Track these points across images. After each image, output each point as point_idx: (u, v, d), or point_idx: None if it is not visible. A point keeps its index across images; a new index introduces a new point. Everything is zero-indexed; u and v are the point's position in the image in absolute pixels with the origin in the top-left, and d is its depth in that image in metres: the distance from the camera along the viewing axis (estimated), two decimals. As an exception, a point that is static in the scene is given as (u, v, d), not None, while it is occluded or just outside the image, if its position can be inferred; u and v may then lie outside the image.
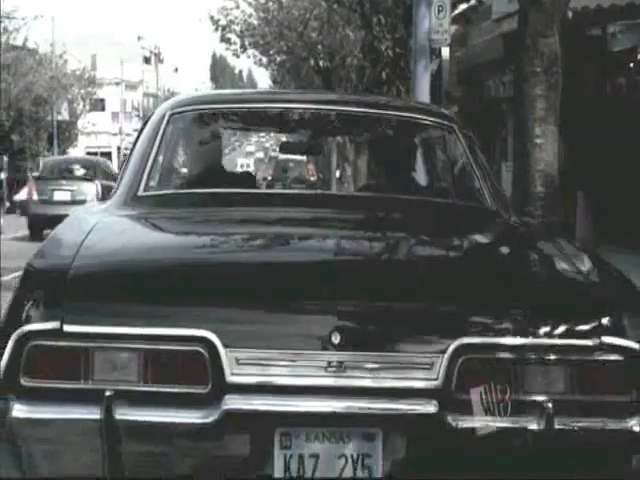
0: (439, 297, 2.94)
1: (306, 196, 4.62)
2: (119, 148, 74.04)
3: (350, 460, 2.77)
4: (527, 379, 2.81)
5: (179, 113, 4.27)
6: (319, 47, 25.64)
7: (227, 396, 2.72)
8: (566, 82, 7.63)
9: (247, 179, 4.90)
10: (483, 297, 2.97)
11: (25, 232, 21.44)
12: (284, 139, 5.90)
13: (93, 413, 2.70)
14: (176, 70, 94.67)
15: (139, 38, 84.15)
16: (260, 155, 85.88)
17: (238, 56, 27.79)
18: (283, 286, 2.91)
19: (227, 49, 27.85)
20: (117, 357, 2.76)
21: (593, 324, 2.87)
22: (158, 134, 4.08)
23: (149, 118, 4.40)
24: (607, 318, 2.88)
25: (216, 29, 27.15)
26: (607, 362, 2.84)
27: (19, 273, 11.63)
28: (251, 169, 56.26)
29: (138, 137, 4.29)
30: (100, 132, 69.07)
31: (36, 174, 24.42)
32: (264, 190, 5.80)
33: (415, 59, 13.41)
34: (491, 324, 2.86)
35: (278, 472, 2.75)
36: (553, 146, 7.50)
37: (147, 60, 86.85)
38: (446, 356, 2.76)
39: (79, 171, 22.42)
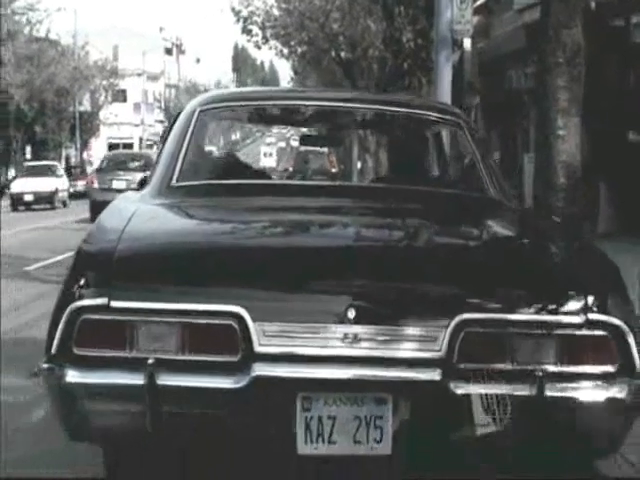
0: (443, 277, 3.30)
1: (324, 187, 4.94)
2: (141, 139, 74.23)
3: (364, 421, 3.13)
4: (521, 351, 3.16)
5: (208, 110, 4.67)
6: (340, 38, 25.54)
7: (255, 364, 3.09)
8: (589, 73, 7.60)
9: (270, 171, 5.33)
10: (483, 277, 3.33)
11: (29, 226, 22.97)
12: (304, 130, 6.19)
13: (137, 379, 3.06)
14: (198, 61, 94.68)
15: (161, 29, 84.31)
16: (282, 144, 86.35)
17: (260, 47, 27.72)
18: (305, 267, 3.30)
19: (248, 41, 27.81)
20: (158, 329, 3.13)
21: (580, 302, 3.21)
22: (189, 129, 4.44)
23: (179, 114, 4.78)
24: (593, 297, 3.21)
25: (237, 20, 27.12)
26: (593, 336, 3.18)
27: (43, 263, 11.70)
28: (274, 157, 56.48)
29: (169, 131, 4.66)
30: (122, 123, 69.26)
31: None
32: (286, 181, 6.22)
33: (437, 50, 13.38)
34: (489, 302, 3.22)
35: (300, 431, 3.13)
36: (576, 137, 7.47)
37: (169, 51, 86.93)
38: (448, 330, 3.13)
39: (132, 163, 26.37)
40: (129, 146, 74.46)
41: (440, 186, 4.78)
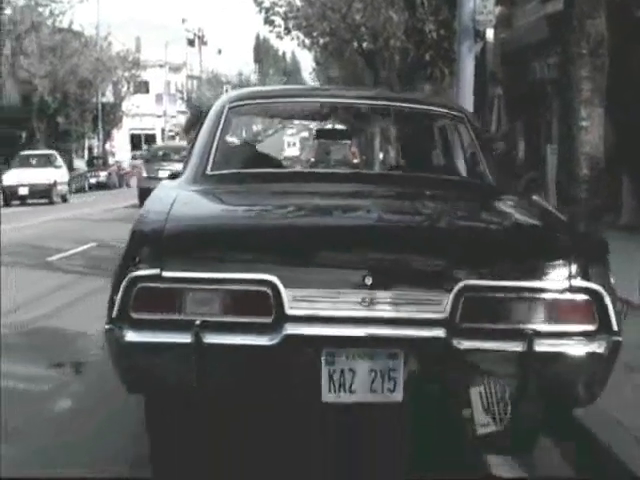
0: (447, 249, 3.81)
1: (342, 174, 5.50)
2: (163, 130, 74.38)
3: (379, 373, 3.63)
4: (514, 312, 3.66)
5: (236, 107, 5.25)
6: (362, 29, 25.46)
7: (286, 324, 3.59)
8: (612, 64, 7.54)
9: (293, 160, 6.05)
10: (482, 249, 3.84)
11: (30, 221, 23.18)
12: (320, 125, 6.68)
13: (185, 338, 3.55)
14: (220, 52, 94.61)
15: (183, 20, 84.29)
16: (305, 134, 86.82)
17: (282, 38, 27.67)
18: (328, 241, 3.82)
19: (271, 31, 27.77)
20: (203, 295, 3.63)
21: (565, 270, 3.70)
22: (219, 124, 5.00)
23: (208, 110, 5.34)
24: (576, 266, 3.71)
25: (260, 11, 27.09)
26: (576, 300, 3.69)
27: (64, 254, 11.78)
28: (297, 146, 57.26)
29: (200, 126, 5.21)
30: (144, 114, 69.44)
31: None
32: (308, 169, 6.69)
33: (459, 41, 13.33)
34: (487, 270, 3.71)
35: (324, 382, 3.62)
36: (599, 129, 7.41)
37: (191, 42, 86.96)
38: (452, 295, 3.62)
39: (174, 155, 28.15)
40: (151, 137, 74.52)
41: (446, 173, 5.32)
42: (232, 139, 5.33)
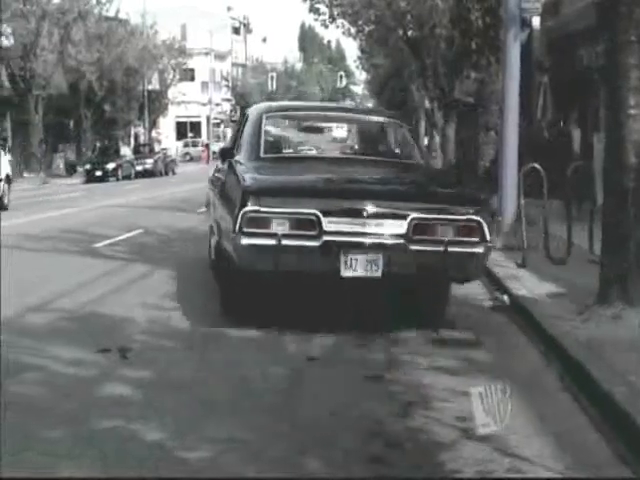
0: (404, 198, 7.53)
1: (344, 158, 9.14)
2: (208, 117, 74.66)
3: (370, 262, 7.19)
4: (438, 231, 7.23)
5: (269, 116, 9.14)
6: (408, 17, 25.32)
7: (324, 236, 7.11)
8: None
9: (319, 148, 9.70)
10: (421, 198, 7.56)
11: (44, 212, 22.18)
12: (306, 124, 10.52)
13: (272, 242, 7.04)
14: (264, 40, 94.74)
15: (228, 8, 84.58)
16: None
17: (327, 26, 27.54)
18: (345, 193, 7.54)
19: (316, 19, 27.70)
20: (281, 220, 7.10)
21: (465, 209, 7.32)
22: (261, 125, 8.79)
23: (248, 116, 9.36)
24: (470, 207, 7.36)
25: (305, -1, 27.01)
26: (470, 225, 7.27)
27: (110, 240, 11.85)
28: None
29: (243, 127, 9.18)
30: (190, 102, 69.77)
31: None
32: (325, 155, 9.56)
33: (505, 29, 13.25)
34: (426, 208, 7.32)
35: (342, 265, 7.18)
36: (647, 117, 7.32)
37: (236, 30, 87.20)
38: (407, 221, 7.18)
39: None
40: (197, 125, 74.84)
41: (391, 157, 9.21)
42: (271, 134, 9.06)
